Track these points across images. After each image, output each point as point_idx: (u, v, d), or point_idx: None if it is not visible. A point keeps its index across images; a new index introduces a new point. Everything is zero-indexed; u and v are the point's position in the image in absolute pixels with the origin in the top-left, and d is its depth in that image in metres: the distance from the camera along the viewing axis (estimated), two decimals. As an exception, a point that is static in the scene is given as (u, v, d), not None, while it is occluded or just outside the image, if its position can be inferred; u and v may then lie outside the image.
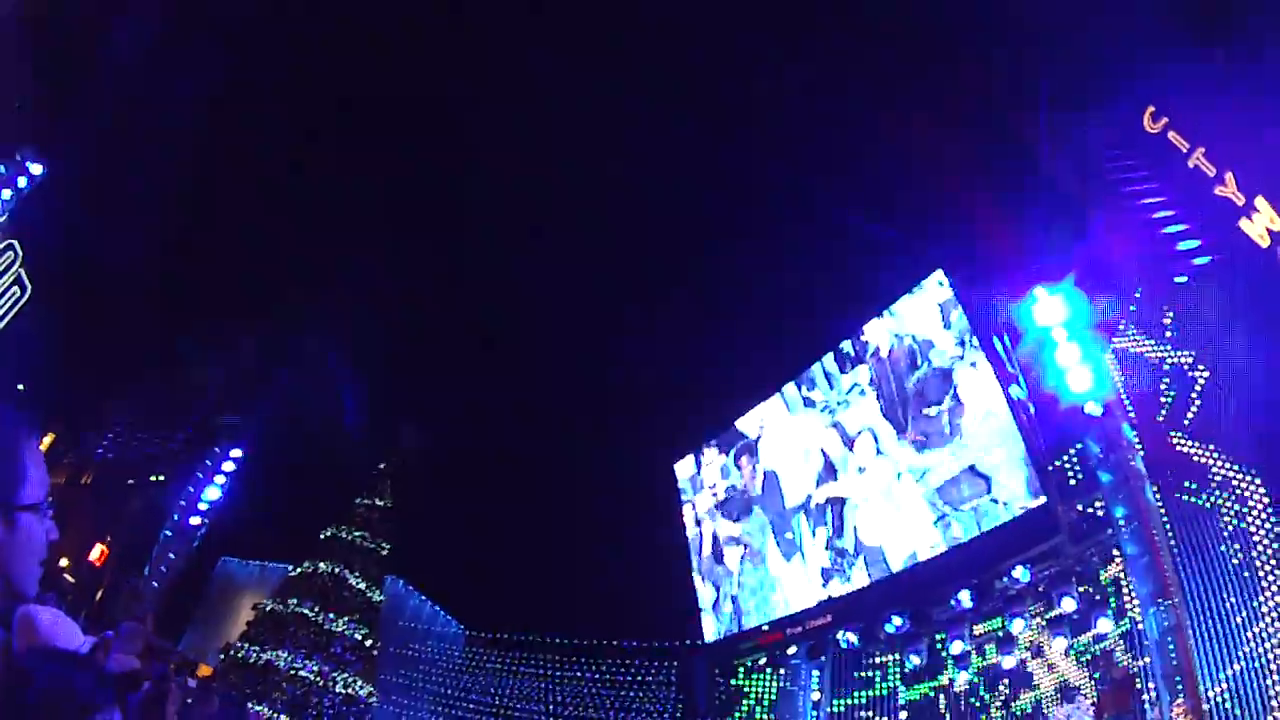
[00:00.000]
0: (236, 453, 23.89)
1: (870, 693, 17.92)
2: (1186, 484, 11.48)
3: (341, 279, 23.35)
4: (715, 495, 20.75)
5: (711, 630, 20.50)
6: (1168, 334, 11.99)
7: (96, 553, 22.73)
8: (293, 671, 19.23)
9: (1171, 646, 10.48)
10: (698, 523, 21.31)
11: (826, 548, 17.45)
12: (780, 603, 18.36)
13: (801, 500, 18.22)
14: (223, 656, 20.13)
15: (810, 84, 18.35)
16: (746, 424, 20.07)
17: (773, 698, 19.40)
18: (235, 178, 20.85)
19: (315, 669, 19.54)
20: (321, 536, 22.53)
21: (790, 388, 18.88)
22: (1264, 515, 10.11)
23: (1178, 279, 11.81)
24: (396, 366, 25.49)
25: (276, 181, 21.16)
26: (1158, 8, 12.06)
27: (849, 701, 18.14)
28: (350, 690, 19.95)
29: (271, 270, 22.91)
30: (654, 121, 19.63)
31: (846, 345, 17.68)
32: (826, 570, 17.45)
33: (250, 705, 17.34)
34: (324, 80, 19.71)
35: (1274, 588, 9.49)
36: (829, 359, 18.04)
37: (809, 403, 18.37)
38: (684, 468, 21.97)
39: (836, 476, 17.43)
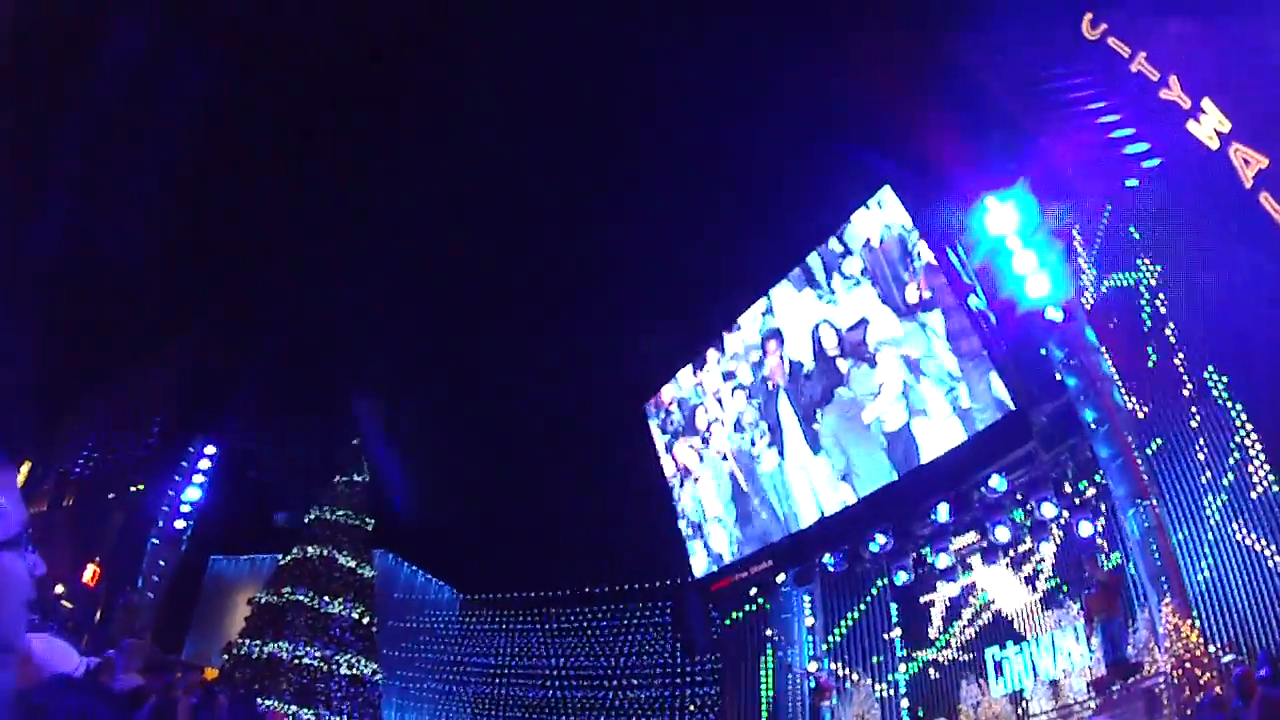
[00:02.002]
0: (211, 450, 23.56)
1: (862, 610, 18.25)
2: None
3: (304, 241, 22.91)
4: (721, 402, 20.17)
5: (702, 564, 20.54)
6: (1124, 237, 12.06)
7: (89, 573, 22.46)
8: (296, 660, 19.26)
9: (1154, 546, 10.69)
10: (702, 439, 20.75)
11: (835, 448, 17.31)
12: (805, 502, 17.95)
13: (814, 396, 17.80)
14: (226, 656, 20.08)
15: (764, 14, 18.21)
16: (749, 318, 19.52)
17: (767, 626, 19.66)
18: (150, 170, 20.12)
19: (318, 654, 19.59)
20: (306, 520, 22.41)
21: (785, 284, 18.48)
22: (1225, 404, 10.29)
23: (1129, 182, 11.85)
24: (367, 338, 25.17)
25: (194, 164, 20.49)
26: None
27: (843, 621, 18.47)
28: (355, 671, 20.06)
29: (215, 252, 22.45)
30: (618, 56, 19.40)
31: (833, 241, 17.28)
32: (838, 471, 17.28)
33: (260, 700, 17.37)
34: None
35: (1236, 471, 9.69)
36: (815, 257, 17.68)
37: (812, 287, 17.93)
38: (685, 376, 21.31)
39: (840, 375, 17.15)
